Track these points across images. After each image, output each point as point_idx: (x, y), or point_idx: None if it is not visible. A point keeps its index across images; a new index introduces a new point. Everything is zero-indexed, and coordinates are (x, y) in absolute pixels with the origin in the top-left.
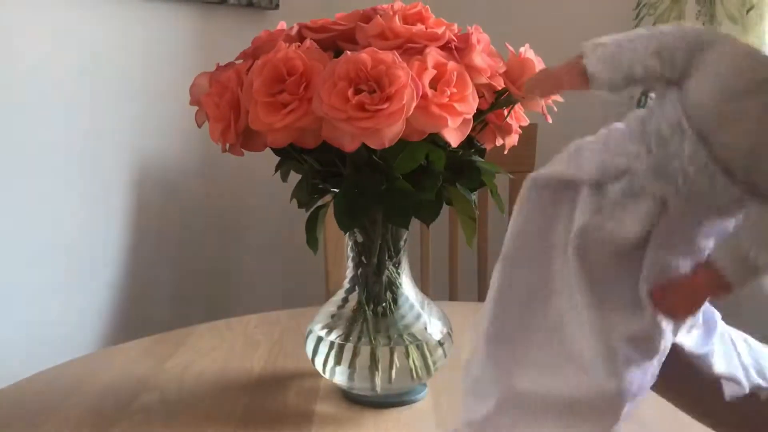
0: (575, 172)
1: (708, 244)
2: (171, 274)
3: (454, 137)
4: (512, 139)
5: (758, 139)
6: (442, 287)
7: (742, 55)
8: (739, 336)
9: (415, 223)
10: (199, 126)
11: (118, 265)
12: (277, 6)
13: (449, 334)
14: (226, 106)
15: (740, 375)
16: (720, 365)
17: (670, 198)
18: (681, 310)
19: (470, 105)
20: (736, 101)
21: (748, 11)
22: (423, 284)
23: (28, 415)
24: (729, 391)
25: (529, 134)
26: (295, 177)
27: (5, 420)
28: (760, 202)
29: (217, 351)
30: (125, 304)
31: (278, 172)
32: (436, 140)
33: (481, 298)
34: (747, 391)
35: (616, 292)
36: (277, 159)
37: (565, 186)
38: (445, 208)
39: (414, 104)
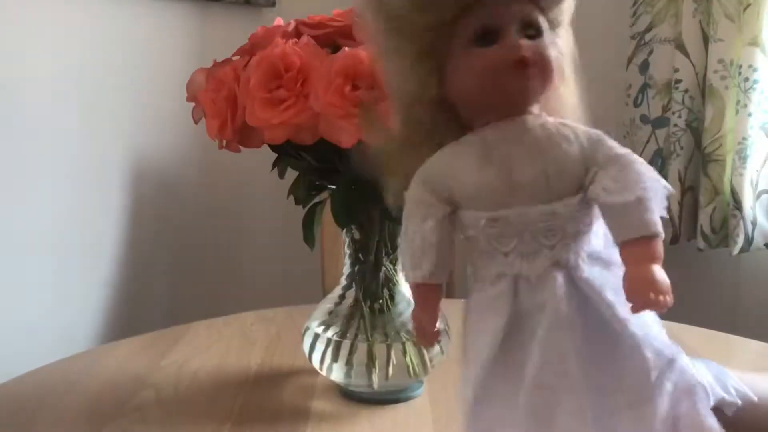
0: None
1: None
2: (167, 271)
3: None
4: None
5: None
6: None
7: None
8: (697, 359)
9: None
10: (196, 122)
11: (114, 262)
12: (273, 3)
13: (446, 331)
14: (223, 102)
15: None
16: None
17: (556, 256)
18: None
19: None
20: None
21: (745, 9)
22: None
23: (23, 412)
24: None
25: None
26: (292, 174)
27: (0, 418)
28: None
29: (214, 348)
30: (122, 302)
31: (275, 169)
32: None
33: None
34: (712, 405)
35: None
36: (274, 156)
37: None
38: None
39: None
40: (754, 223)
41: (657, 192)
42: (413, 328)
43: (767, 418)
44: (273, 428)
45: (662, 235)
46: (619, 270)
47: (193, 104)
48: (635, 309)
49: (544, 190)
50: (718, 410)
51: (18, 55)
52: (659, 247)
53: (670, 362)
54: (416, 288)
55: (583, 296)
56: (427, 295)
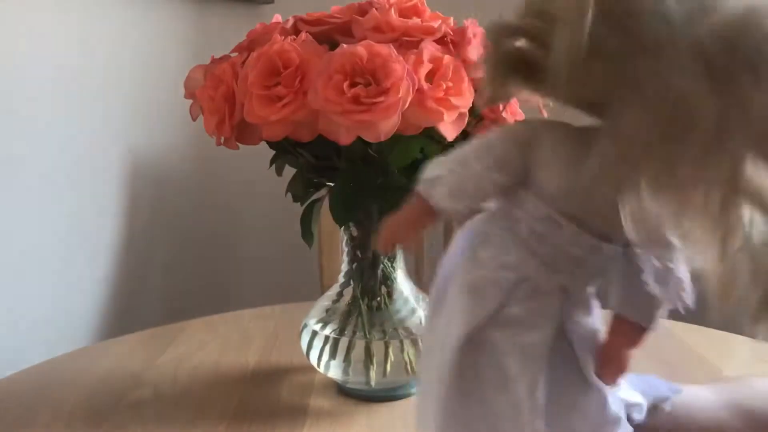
0: (484, 312)
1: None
2: (164, 268)
3: (449, 131)
4: None
5: (616, 194)
6: None
7: (563, 135)
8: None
9: None
10: (194, 119)
11: (110, 259)
12: (272, 0)
13: None
14: (221, 99)
15: (639, 399)
16: (623, 394)
17: (569, 284)
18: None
19: (466, 99)
20: (580, 173)
21: None
22: (417, 280)
23: (19, 409)
24: (637, 416)
25: None
26: (289, 171)
27: None
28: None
29: (211, 345)
30: (117, 299)
31: (273, 167)
32: (431, 134)
33: None
34: (646, 408)
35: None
36: (272, 153)
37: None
38: None
39: (410, 98)
40: None
41: (679, 302)
42: (381, 231)
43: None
44: (271, 425)
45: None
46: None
47: (190, 101)
48: (599, 374)
49: (604, 224)
50: (658, 408)
51: (12, 51)
52: (645, 338)
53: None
54: (418, 199)
55: (565, 331)
56: (423, 213)
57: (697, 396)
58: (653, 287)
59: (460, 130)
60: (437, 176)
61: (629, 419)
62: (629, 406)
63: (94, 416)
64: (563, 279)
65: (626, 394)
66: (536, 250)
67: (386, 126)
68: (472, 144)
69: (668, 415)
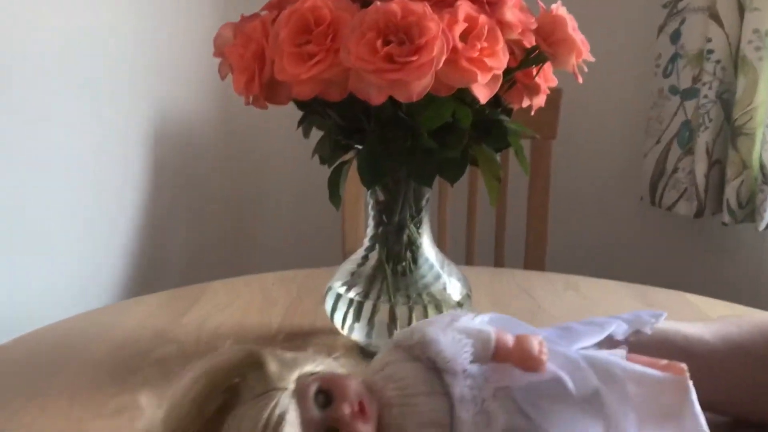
0: None
1: None
2: (187, 230)
3: (483, 93)
4: (540, 100)
5: None
6: (458, 252)
7: None
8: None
9: (433, 188)
10: (223, 78)
11: (134, 220)
12: None
13: (468, 296)
14: (251, 57)
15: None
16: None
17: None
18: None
19: (500, 60)
20: None
21: None
22: (440, 248)
23: (45, 363)
24: (619, 336)
25: (553, 100)
26: (316, 134)
27: (23, 367)
28: None
29: (234, 306)
30: (141, 260)
31: (299, 129)
32: (464, 97)
33: (498, 262)
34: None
35: None
36: (298, 117)
37: None
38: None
39: (444, 57)
40: None
41: None
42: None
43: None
44: None
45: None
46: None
47: (218, 61)
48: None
49: None
50: (639, 333)
51: (38, 10)
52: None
53: None
54: None
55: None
56: None
57: (681, 324)
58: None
59: (494, 93)
60: None
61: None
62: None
63: (120, 371)
64: None
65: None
66: None
67: (419, 86)
68: None
69: (651, 336)
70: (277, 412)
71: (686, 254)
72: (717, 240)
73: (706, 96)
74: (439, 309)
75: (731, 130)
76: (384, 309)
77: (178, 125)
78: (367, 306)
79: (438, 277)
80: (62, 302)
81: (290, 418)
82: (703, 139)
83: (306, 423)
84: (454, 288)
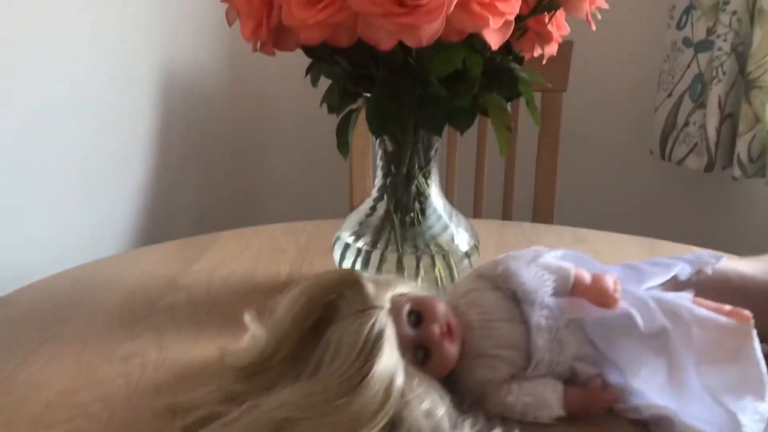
0: None
1: None
2: (196, 181)
3: (494, 39)
4: (552, 49)
5: None
6: (466, 205)
7: None
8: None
9: (442, 138)
10: (230, 24)
11: (144, 171)
12: None
13: (476, 247)
14: (259, 2)
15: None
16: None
17: None
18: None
19: (512, 5)
20: None
21: None
22: (448, 199)
23: (55, 309)
24: (682, 277)
25: (564, 51)
26: (324, 84)
27: (35, 312)
28: None
29: (244, 256)
30: (150, 211)
31: (307, 78)
32: (474, 44)
33: (506, 216)
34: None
35: None
36: (306, 66)
37: None
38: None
39: (455, 1)
40: None
41: None
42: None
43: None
44: None
45: None
46: None
47: (226, 6)
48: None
49: None
50: (701, 272)
51: None
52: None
53: None
54: None
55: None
56: None
57: (739, 263)
58: None
59: (505, 39)
60: None
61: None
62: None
63: (130, 317)
64: None
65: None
66: None
67: (429, 30)
68: None
69: (711, 276)
70: (377, 327)
71: (695, 209)
72: (726, 195)
73: (720, 48)
74: (446, 259)
75: (745, 84)
76: (392, 259)
77: (187, 74)
78: (375, 256)
79: (446, 227)
80: (72, 251)
81: (388, 333)
82: (715, 93)
83: (400, 339)
84: (461, 239)
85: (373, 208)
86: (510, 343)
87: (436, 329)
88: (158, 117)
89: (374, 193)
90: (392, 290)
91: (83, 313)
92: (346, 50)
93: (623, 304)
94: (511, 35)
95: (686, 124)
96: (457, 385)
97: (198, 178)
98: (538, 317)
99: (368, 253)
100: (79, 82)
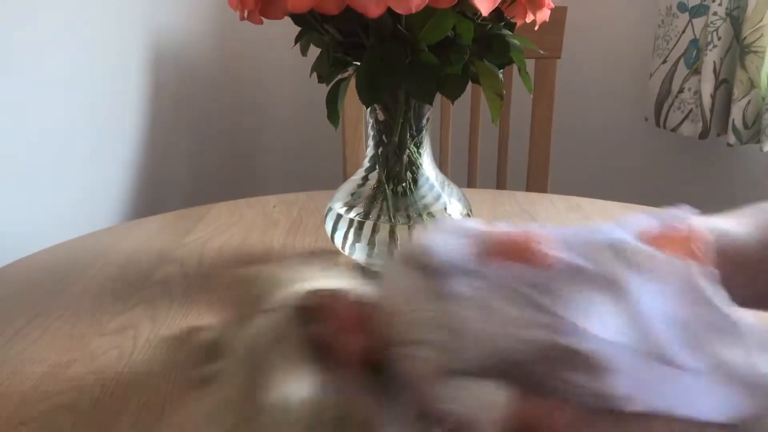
0: None
1: None
2: (188, 155)
3: (484, 5)
4: (543, 15)
5: None
6: (460, 174)
7: None
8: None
9: (435, 108)
10: None
11: (135, 144)
12: None
13: (469, 216)
14: None
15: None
16: None
17: None
18: None
19: None
20: None
21: None
22: (442, 169)
23: (48, 282)
24: None
25: (557, 17)
26: (313, 54)
27: (27, 286)
28: None
29: (237, 227)
30: (143, 184)
31: (297, 47)
32: (464, 11)
33: (500, 185)
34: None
35: None
36: (295, 35)
37: None
38: (466, 93)
39: None
40: None
41: None
42: None
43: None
44: None
45: None
46: None
47: None
48: None
49: None
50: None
51: None
52: None
53: None
54: None
55: None
56: None
57: (716, 219)
58: None
59: (496, 4)
60: None
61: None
62: None
63: (123, 290)
64: None
65: None
66: None
67: None
68: None
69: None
70: (275, 328)
71: (690, 176)
72: (722, 161)
73: (715, 13)
74: None
75: (740, 49)
76: (384, 229)
77: (176, 47)
78: (368, 226)
79: (438, 197)
80: (65, 224)
81: (286, 333)
82: (710, 58)
83: (301, 338)
84: (454, 208)
85: (365, 179)
86: (438, 324)
87: (338, 325)
88: (149, 89)
89: (366, 163)
90: (299, 286)
91: (76, 286)
92: (334, 18)
93: (559, 255)
94: (502, 1)
95: (681, 90)
96: (393, 390)
97: (190, 150)
98: (461, 288)
99: (360, 224)
100: (68, 57)
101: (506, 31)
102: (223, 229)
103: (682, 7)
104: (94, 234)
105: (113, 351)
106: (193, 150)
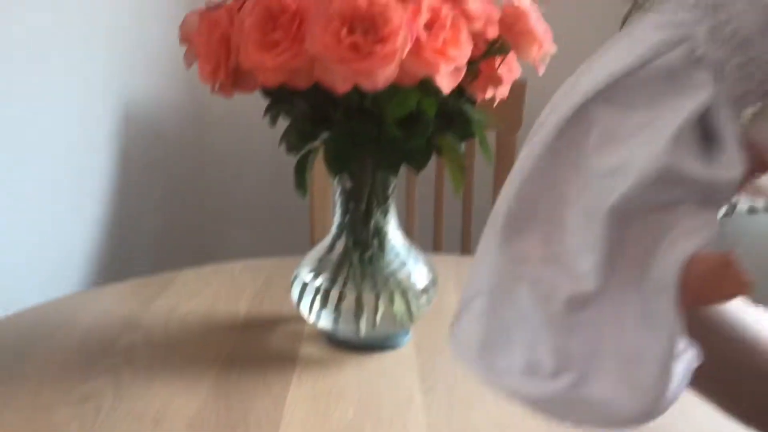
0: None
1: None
2: (156, 219)
3: (446, 83)
4: (503, 91)
5: None
6: (426, 240)
7: None
8: None
9: (400, 176)
10: (188, 66)
11: (102, 207)
12: None
13: (434, 282)
14: (217, 44)
15: None
16: None
17: (726, 65)
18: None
19: (463, 51)
20: None
21: None
22: (407, 235)
23: (11, 351)
24: None
25: (517, 92)
26: (282, 123)
27: None
28: None
29: (203, 295)
30: (110, 248)
31: (266, 117)
32: (428, 88)
33: (465, 251)
34: None
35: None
36: (266, 104)
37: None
38: (431, 162)
39: (408, 47)
40: None
41: None
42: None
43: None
44: (261, 372)
45: None
46: None
47: (184, 50)
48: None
49: None
50: None
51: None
52: None
53: None
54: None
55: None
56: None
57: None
58: None
59: (457, 83)
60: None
61: None
62: None
63: (86, 359)
64: (724, 54)
65: None
66: (709, 12)
67: (383, 75)
68: None
69: None
70: None
71: None
72: None
73: None
74: (405, 296)
75: None
76: (350, 296)
77: (146, 112)
78: (334, 293)
79: (404, 264)
80: (29, 289)
81: None
82: None
83: None
84: (419, 275)
85: (332, 246)
86: None
87: None
88: (118, 154)
89: (333, 230)
90: None
91: (40, 354)
92: (304, 92)
93: None
94: (464, 78)
95: None
96: None
97: (158, 214)
98: None
99: (327, 291)
100: (38, 119)
101: (468, 107)
102: (190, 296)
103: None
104: (58, 301)
105: (75, 422)
106: (162, 214)
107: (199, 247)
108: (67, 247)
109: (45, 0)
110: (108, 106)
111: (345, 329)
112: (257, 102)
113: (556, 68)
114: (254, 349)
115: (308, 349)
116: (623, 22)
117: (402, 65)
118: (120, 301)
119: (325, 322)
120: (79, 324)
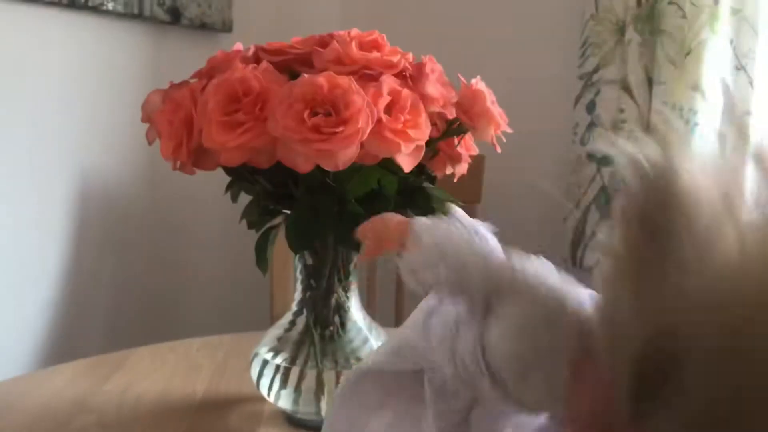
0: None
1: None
2: (110, 294)
3: (406, 162)
4: (462, 168)
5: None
6: (388, 316)
7: (529, 319)
8: None
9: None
10: (150, 143)
11: (56, 283)
12: (230, 28)
13: None
14: (180, 123)
15: None
16: None
17: (480, 398)
18: None
19: (423, 131)
20: (523, 367)
21: (686, 55)
22: (370, 311)
23: None
24: None
25: (476, 166)
26: (244, 198)
27: None
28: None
29: (158, 373)
30: (63, 324)
31: (227, 194)
32: (389, 166)
33: None
34: None
35: None
36: (227, 179)
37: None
38: None
39: (369, 128)
40: None
41: None
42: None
43: None
44: None
45: None
46: None
47: (145, 126)
48: None
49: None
50: None
51: None
52: None
53: None
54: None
55: None
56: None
57: None
58: None
59: (417, 162)
60: (428, 231)
61: None
62: None
63: None
64: (475, 393)
65: None
66: (458, 367)
67: (345, 155)
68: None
69: None
70: None
71: None
72: None
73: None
74: None
75: None
76: (311, 375)
77: (105, 186)
78: (294, 372)
79: (366, 341)
80: None
81: None
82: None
83: None
84: None
85: (293, 323)
86: None
87: None
88: (73, 229)
89: (294, 307)
90: None
91: None
92: (265, 171)
93: None
94: (424, 157)
95: (594, 233)
96: None
97: (112, 289)
98: None
99: (287, 370)
100: None
101: (428, 184)
102: (144, 375)
103: (591, 157)
104: (5, 382)
105: None
106: (116, 289)
107: (156, 324)
108: (18, 324)
109: (2, 70)
110: (64, 180)
111: (306, 409)
112: (219, 177)
113: (515, 144)
114: (212, 430)
115: (268, 431)
116: (576, 102)
117: (363, 146)
118: (71, 382)
119: (285, 402)
120: (28, 407)
